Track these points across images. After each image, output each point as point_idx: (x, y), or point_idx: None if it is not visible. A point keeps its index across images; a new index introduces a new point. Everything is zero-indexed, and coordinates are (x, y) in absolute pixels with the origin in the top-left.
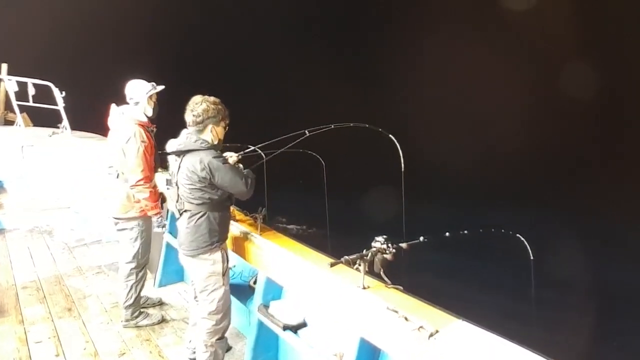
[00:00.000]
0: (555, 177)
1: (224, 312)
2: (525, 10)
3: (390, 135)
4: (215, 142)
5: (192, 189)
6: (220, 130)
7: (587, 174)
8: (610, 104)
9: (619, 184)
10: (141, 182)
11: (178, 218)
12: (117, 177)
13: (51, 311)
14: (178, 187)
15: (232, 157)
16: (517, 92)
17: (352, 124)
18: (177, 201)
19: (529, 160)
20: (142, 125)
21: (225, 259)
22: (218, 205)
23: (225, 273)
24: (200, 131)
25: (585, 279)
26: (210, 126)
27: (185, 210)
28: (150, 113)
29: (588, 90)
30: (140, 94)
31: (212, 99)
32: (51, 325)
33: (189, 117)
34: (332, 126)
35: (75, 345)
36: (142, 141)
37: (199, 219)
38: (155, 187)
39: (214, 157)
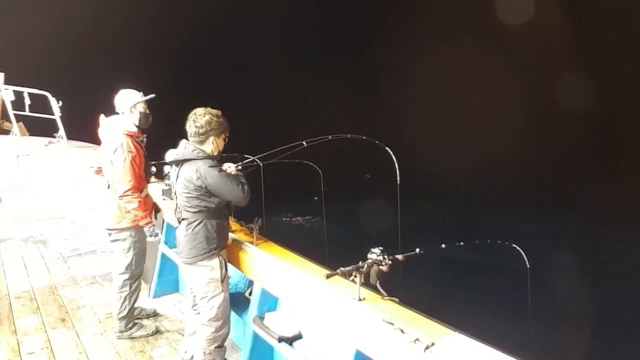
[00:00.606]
0: (553, 184)
1: (224, 319)
2: (523, 21)
3: (387, 148)
4: (215, 153)
5: (189, 197)
6: (220, 143)
7: (585, 181)
8: (608, 113)
9: (618, 192)
10: (129, 193)
11: (177, 227)
12: (108, 187)
13: (44, 321)
14: (176, 196)
15: (230, 167)
16: (514, 100)
17: (349, 136)
18: (175, 210)
19: (527, 168)
20: (130, 135)
21: (224, 266)
22: (215, 213)
23: (224, 279)
24: (202, 142)
25: (584, 288)
26: (212, 138)
27: (183, 219)
28: (137, 122)
29: (585, 99)
30: (126, 104)
31: (214, 111)
32: (44, 336)
33: (191, 128)
34: (330, 137)
35: (69, 356)
36: (129, 151)
37: (196, 226)
38: (147, 196)
39: (210, 166)
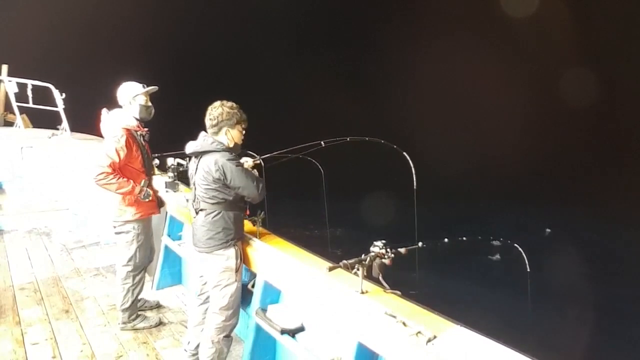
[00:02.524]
0: (554, 183)
1: (234, 308)
2: (525, 16)
3: (405, 153)
4: (231, 145)
5: (208, 189)
6: (235, 134)
7: (586, 180)
8: (609, 110)
9: (618, 188)
10: (101, 176)
11: (194, 217)
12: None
13: (48, 313)
14: (195, 188)
15: (247, 162)
16: (516, 98)
17: (367, 139)
18: (194, 200)
19: (529, 166)
20: (128, 129)
21: (239, 256)
22: (232, 205)
23: (238, 269)
24: (216, 133)
25: (584, 287)
26: (224, 129)
27: (201, 209)
28: (137, 115)
29: (587, 96)
30: (126, 96)
31: (229, 103)
32: (48, 327)
33: (207, 120)
34: (348, 139)
35: (72, 347)
36: (118, 143)
37: (214, 217)
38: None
39: (228, 159)
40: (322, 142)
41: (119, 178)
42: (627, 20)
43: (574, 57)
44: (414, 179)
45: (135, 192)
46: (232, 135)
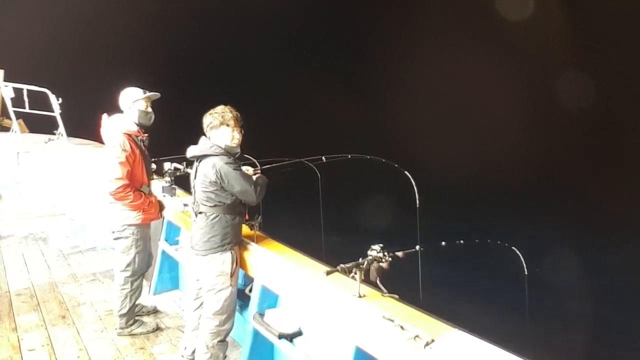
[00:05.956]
0: (553, 185)
1: (228, 313)
2: (521, 20)
3: (407, 172)
4: (233, 145)
5: (206, 192)
6: (223, 136)
7: (585, 183)
8: (607, 113)
9: (617, 193)
10: (120, 189)
11: (194, 220)
12: None
13: (45, 319)
14: (195, 191)
15: (248, 170)
16: (514, 101)
17: (369, 157)
18: (193, 203)
19: (528, 170)
20: (128, 134)
21: (235, 261)
22: (231, 209)
23: (233, 274)
24: (210, 137)
25: (582, 290)
26: (212, 132)
27: (200, 212)
28: (136, 120)
29: (585, 100)
30: (127, 102)
31: (219, 107)
32: (45, 333)
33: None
34: (349, 156)
35: (69, 353)
36: (124, 150)
37: (212, 220)
38: (150, 194)
39: (226, 163)
40: (323, 158)
41: (135, 190)
42: (625, 22)
43: (572, 60)
44: (417, 198)
45: (145, 203)
46: (225, 137)
